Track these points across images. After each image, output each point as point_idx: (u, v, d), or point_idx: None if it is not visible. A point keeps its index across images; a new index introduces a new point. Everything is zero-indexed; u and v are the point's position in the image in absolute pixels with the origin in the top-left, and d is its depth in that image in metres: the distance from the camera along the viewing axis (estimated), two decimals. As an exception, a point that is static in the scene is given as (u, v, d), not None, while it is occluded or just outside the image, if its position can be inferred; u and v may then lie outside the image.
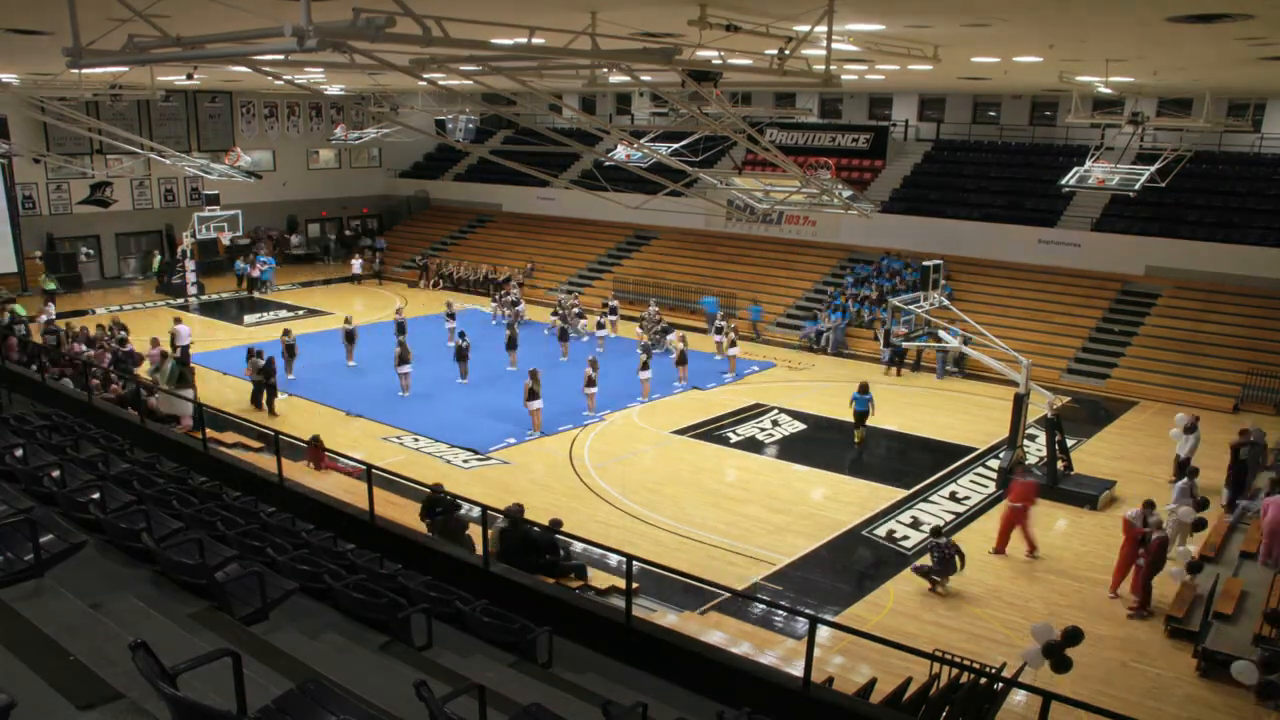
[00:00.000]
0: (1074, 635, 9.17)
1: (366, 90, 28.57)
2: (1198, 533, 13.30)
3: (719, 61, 11.41)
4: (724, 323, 24.69)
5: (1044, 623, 9.59)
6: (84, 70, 15.22)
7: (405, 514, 11.84)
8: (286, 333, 22.08)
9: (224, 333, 26.83)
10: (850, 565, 13.50)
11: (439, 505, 11.50)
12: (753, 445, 18.21)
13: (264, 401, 19.22)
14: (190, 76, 22.98)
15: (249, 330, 27.39)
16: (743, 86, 28.79)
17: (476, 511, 10.07)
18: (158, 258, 32.76)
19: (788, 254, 30.53)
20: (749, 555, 13.36)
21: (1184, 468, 15.00)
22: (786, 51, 9.70)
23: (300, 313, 29.49)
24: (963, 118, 32.35)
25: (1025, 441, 16.63)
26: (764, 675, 7.61)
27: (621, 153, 21.13)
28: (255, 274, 32.19)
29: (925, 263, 17.51)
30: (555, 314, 26.72)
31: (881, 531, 14.45)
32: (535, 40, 8.48)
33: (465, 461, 16.88)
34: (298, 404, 19.82)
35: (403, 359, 20.37)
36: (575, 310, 27.01)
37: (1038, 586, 12.71)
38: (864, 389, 18.31)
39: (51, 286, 28.47)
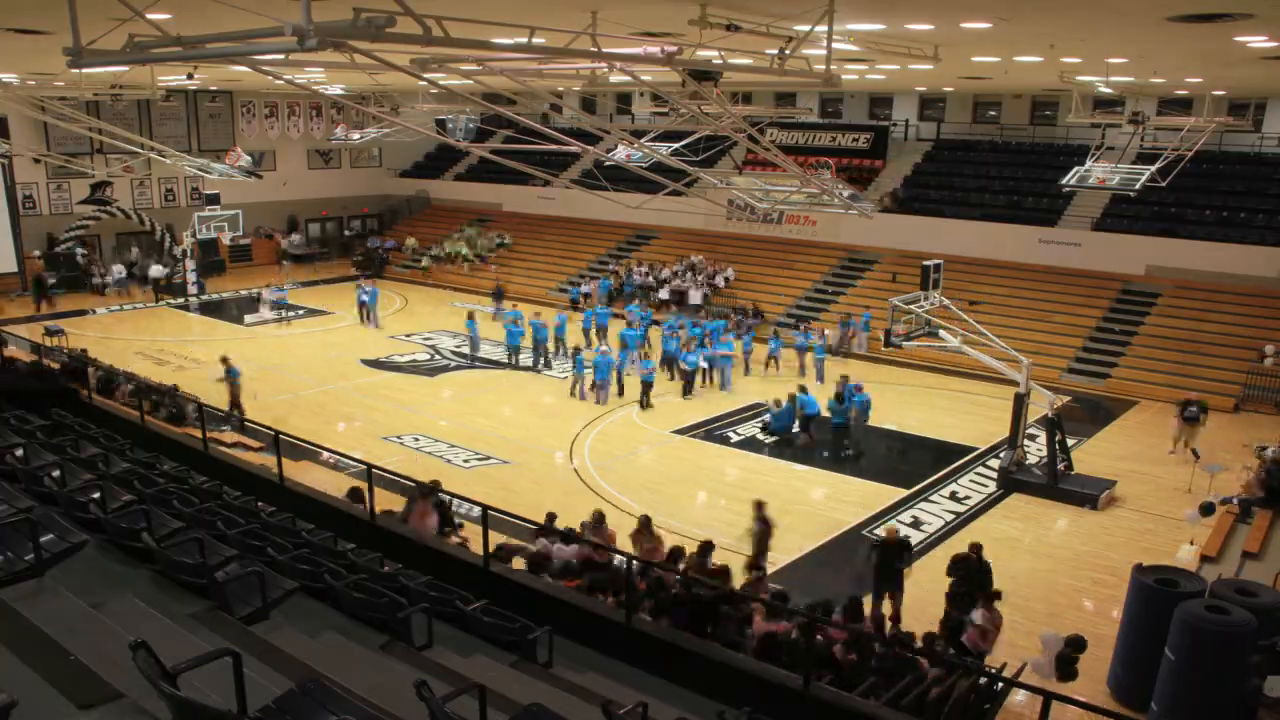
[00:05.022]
0: (1078, 643, 9.23)
1: (367, 90, 28.57)
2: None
3: (719, 61, 11.41)
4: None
5: (1052, 633, 9.62)
6: (84, 70, 15.20)
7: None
8: None
9: (225, 332, 26.84)
10: (851, 565, 13.49)
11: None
12: (753, 445, 18.20)
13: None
14: (190, 76, 22.98)
15: (250, 330, 27.41)
16: (743, 86, 28.82)
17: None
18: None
19: (788, 254, 30.52)
20: (749, 555, 13.34)
21: None
22: (787, 51, 9.71)
23: (300, 312, 29.49)
24: (963, 118, 32.35)
25: (1025, 441, 16.63)
26: (764, 675, 7.61)
27: (622, 152, 21.09)
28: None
29: (925, 262, 17.49)
30: None
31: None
32: (535, 40, 8.46)
33: (465, 461, 16.88)
34: (298, 403, 19.82)
35: None
36: None
37: (1039, 587, 12.70)
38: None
39: None
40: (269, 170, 35.76)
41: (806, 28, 9.40)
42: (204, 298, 30.60)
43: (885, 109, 33.53)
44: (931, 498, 15.79)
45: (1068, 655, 9.30)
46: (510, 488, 15.34)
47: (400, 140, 31.82)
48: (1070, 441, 17.18)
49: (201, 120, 34.81)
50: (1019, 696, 9.35)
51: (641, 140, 16.49)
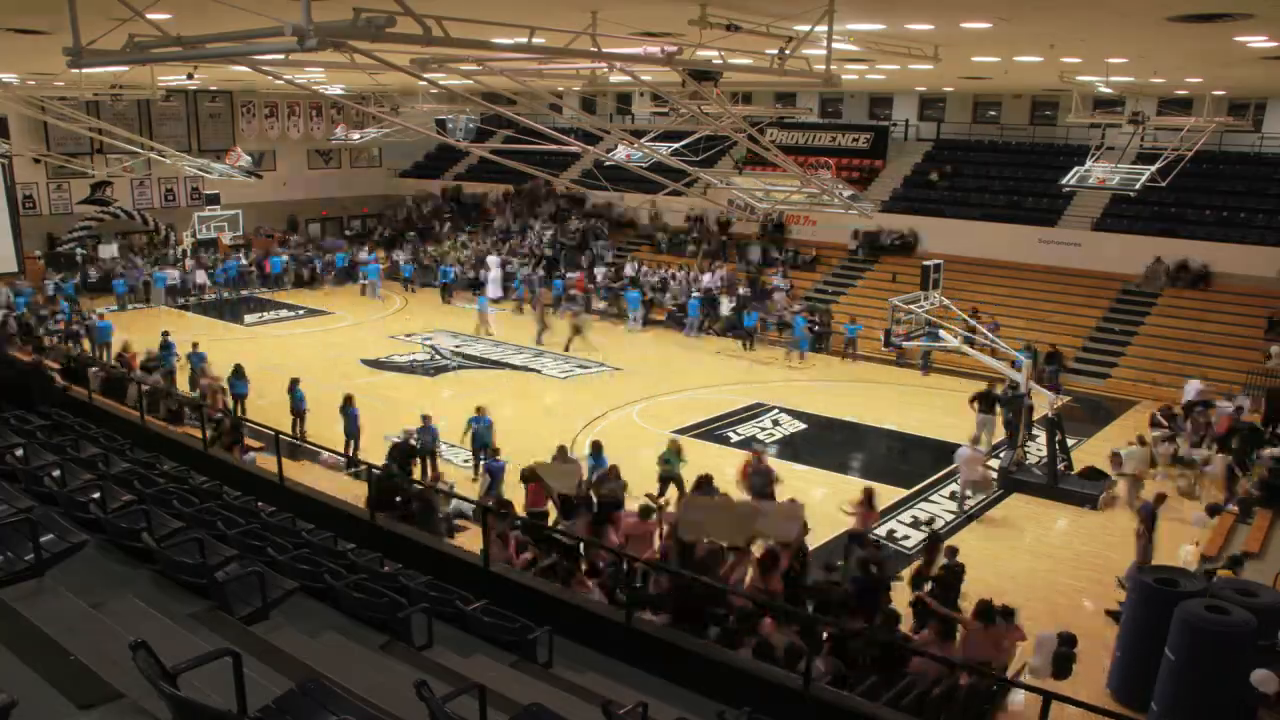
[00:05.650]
0: (1072, 639, 9.25)
1: (367, 90, 28.58)
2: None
3: (719, 61, 11.41)
4: None
5: (1048, 633, 9.63)
6: (84, 70, 15.20)
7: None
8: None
9: (225, 332, 26.82)
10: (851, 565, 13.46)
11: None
12: (753, 445, 18.17)
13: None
14: (190, 76, 22.97)
15: (250, 329, 27.40)
16: (743, 86, 28.79)
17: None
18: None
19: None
20: (749, 555, 13.32)
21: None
22: (787, 51, 9.71)
23: (300, 312, 29.47)
24: (963, 118, 32.34)
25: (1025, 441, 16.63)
26: (764, 675, 7.61)
27: (622, 152, 21.08)
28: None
29: (925, 262, 17.48)
30: None
31: (882, 531, 14.43)
32: (535, 40, 8.46)
33: (465, 461, 16.86)
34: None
35: None
36: None
37: (1038, 587, 12.69)
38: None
39: None
40: (269, 170, 35.73)
41: (806, 28, 9.40)
42: (204, 297, 30.55)
43: (885, 109, 33.51)
44: (931, 498, 15.78)
45: (1064, 653, 9.29)
46: (509, 486, 15.29)
47: (400, 140, 31.82)
48: (1070, 441, 17.18)
49: (201, 120, 34.79)
50: (1019, 696, 9.35)
51: (641, 140, 16.48)
